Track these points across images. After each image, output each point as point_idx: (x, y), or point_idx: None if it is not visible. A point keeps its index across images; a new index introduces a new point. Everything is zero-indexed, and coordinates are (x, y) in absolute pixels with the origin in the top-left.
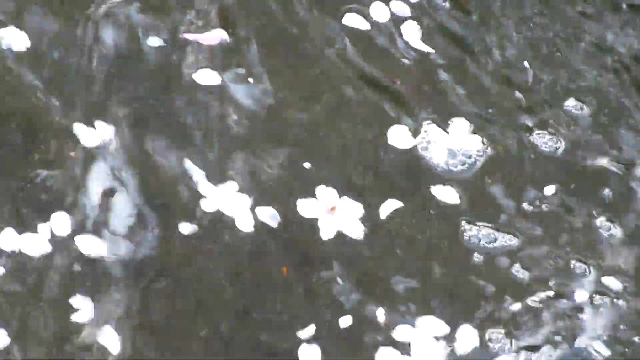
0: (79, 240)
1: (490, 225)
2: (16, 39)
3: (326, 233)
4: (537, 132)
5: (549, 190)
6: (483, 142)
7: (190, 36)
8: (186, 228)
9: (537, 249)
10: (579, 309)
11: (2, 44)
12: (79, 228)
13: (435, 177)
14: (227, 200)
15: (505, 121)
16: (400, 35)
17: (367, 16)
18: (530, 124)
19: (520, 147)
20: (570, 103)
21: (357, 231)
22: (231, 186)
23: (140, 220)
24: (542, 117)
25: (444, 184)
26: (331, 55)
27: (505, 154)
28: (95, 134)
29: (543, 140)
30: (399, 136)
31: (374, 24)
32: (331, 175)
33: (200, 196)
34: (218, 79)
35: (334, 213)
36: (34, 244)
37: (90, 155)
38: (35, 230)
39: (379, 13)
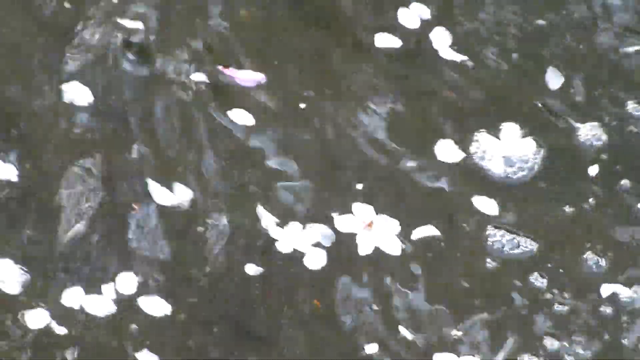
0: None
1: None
2: (80, 94)
3: (364, 249)
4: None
5: (593, 170)
6: (537, 144)
7: (228, 71)
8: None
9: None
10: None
11: (65, 98)
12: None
13: (491, 188)
14: (298, 239)
15: (557, 121)
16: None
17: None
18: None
19: (572, 144)
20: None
21: (394, 247)
22: (296, 225)
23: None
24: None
25: (491, 197)
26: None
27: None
28: (170, 195)
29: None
30: (446, 149)
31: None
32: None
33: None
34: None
35: (371, 229)
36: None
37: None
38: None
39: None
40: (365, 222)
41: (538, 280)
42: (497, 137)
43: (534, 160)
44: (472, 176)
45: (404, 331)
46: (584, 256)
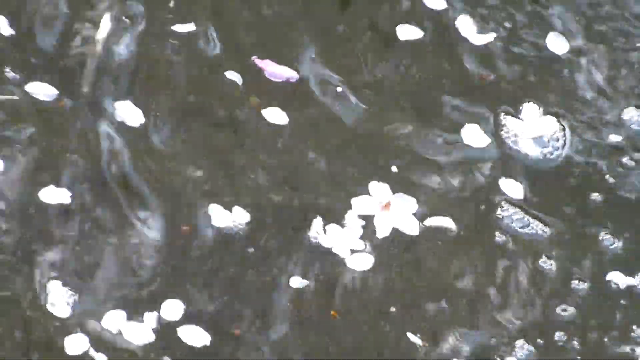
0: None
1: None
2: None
3: (382, 230)
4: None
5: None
6: (559, 122)
7: (260, 62)
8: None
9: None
10: None
11: (116, 116)
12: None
13: (529, 171)
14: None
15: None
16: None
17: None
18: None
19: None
20: None
21: (412, 227)
22: (335, 227)
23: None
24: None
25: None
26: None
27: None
28: (229, 217)
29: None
30: (473, 134)
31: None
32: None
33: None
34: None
35: (388, 209)
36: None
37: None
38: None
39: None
40: (383, 202)
41: (547, 264)
42: (519, 118)
43: (563, 138)
44: (510, 161)
45: (414, 338)
46: (599, 237)
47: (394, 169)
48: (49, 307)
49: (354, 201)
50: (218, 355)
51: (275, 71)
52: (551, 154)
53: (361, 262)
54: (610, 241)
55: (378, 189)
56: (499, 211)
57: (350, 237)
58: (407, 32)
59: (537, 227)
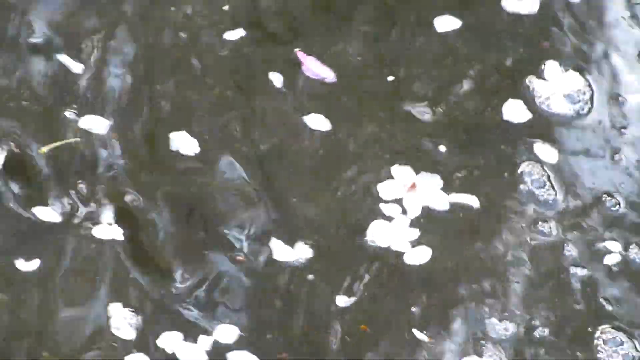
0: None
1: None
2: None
3: (412, 211)
4: None
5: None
6: (583, 76)
7: (302, 56)
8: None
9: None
10: None
11: (172, 146)
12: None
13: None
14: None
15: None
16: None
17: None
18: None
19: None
20: None
21: (442, 203)
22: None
23: None
24: None
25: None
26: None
27: None
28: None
29: None
30: (514, 109)
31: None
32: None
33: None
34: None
35: (415, 190)
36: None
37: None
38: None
39: None
40: (408, 184)
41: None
42: (543, 79)
43: (589, 91)
44: (545, 124)
45: (420, 335)
46: (603, 199)
47: (442, 148)
48: (113, 331)
49: (379, 187)
50: None
51: (314, 69)
52: (582, 109)
53: (419, 255)
54: (612, 202)
55: (401, 171)
56: (521, 167)
57: (401, 227)
58: (445, 23)
59: (548, 193)
